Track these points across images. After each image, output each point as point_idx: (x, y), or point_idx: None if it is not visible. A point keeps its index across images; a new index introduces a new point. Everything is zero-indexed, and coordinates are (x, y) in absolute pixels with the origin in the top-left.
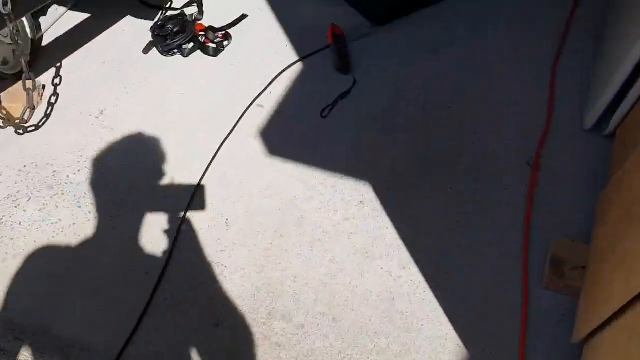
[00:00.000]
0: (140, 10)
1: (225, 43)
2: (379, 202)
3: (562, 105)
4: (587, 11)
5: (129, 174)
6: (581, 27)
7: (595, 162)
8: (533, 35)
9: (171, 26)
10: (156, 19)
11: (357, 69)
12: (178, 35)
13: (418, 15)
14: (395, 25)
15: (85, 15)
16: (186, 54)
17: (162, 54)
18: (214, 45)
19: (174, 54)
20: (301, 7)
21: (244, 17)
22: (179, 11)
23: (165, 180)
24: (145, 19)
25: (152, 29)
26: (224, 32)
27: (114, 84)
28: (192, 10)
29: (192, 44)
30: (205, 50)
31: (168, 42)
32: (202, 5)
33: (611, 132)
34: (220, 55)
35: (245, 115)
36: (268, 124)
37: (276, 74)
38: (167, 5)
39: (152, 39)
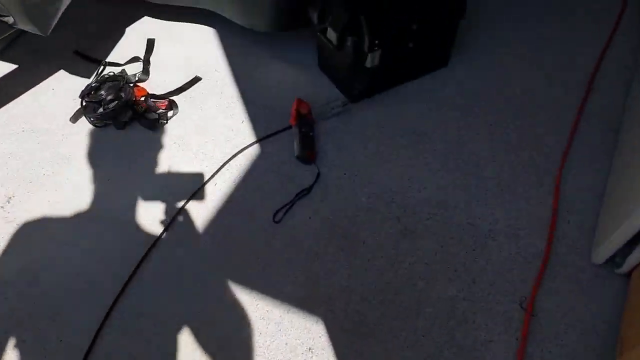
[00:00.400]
0: (75, 63)
1: (170, 114)
2: (332, 351)
3: (567, 224)
4: (603, 97)
5: (30, 292)
6: (596, 118)
7: (605, 305)
8: (537, 124)
9: (104, 93)
10: (92, 78)
11: (323, 158)
12: (113, 103)
13: (403, 89)
14: (374, 102)
15: (12, 67)
16: (121, 125)
17: (92, 124)
18: (156, 116)
19: (107, 124)
20: (267, 71)
21: (196, 80)
22: (121, 68)
23: (69, 306)
24: (81, 75)
25: (82, 95)
26: (168, 100)
27: (30, 160)
28: (136, 68)
29: (129, 113)
30: (144, 122)
31: (100, 111)
32: (148, 63)
33: (626, 273)
34: (162, 130)
35: (181, 212)
36: (207, 228)
37: (226, 159)
38: (108, 60)
39: (82, 106)
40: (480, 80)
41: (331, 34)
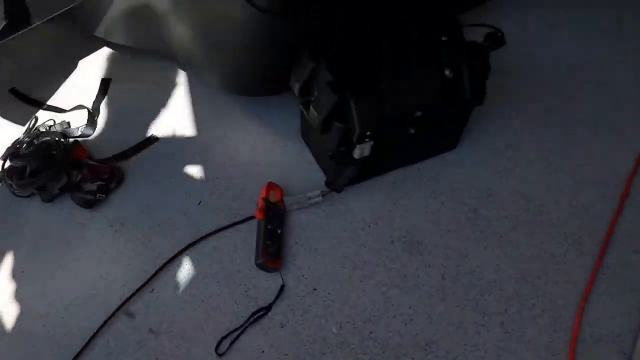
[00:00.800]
0: (11, 105)
1: (112, 185)
2: None
3: None
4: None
5: None
6: (630, 237)
7: None
8: (557, 241)
9: (33, 154)
10: (25, 127)
11: (290, 264)
12: (43, 170)
13: (400, 175)
14: (363, 190)
15: None
16: (49, 198)
17: (12, 193)
18: (94, 188)
19: (32, 194)
20: (240, 136)
21: (152, 140)
22: (65, 113)
23: None
24: (15, 121)
25: (5, 155)
26: (112, 167)
27: None
28: (81, 118)
29: (63, 181)
30: (78, 198)
31: (23, 180)
32: (97, 112)
33: None
34: (99, 207)
35: (100, 332)
36: (132, 356)
37: (170, 256)
38: (50, 103)
39: (2, 168)
40: (494, 172)
41: (313, 115)
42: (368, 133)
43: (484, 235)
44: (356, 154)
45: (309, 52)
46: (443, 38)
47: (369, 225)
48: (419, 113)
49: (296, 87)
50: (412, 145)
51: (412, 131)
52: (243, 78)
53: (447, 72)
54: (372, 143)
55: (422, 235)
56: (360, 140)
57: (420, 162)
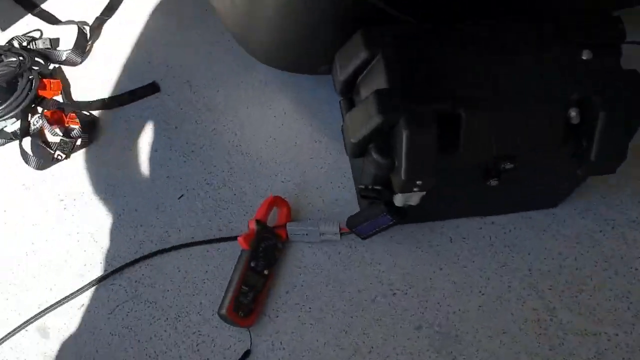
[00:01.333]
0: None
1: (78, 142)
2: None
3: None
4: None
5: None
6: None
7: None
8: None
9: None
10: None
11: (267, 322)
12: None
13: (462, 225)
14: (398, 237)
15: None
16: None
17: None
18: (56, 140)
19: None
20: (264, 111)
21: (151, 90)
22: (57, 26)
23: None
24: None
25: None
26: (88, 117)
27: None
28: (74, 37)
29: (17, 124)
30: (27, 155)
31: None
32: (93, 36)
33: None
34: (51, 170)
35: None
36: None
37: (120, 264)
38: (44, 6)
39: None
40: (599, 258)
41: (347, 128)
42: (418, 182)
43: (553, 354)
44: (397, 201)
45: (364, 36)
46: (584, 56)
47: (395, 293)
48: (509, 165)
49: (338, 77)
50: (490, 196)
51: (494, 183)
52: (278, 47)
53: (572, 114)
54: (423, 193)
55: (464, 329)
56: (407, 189)
57: (498, 215)
